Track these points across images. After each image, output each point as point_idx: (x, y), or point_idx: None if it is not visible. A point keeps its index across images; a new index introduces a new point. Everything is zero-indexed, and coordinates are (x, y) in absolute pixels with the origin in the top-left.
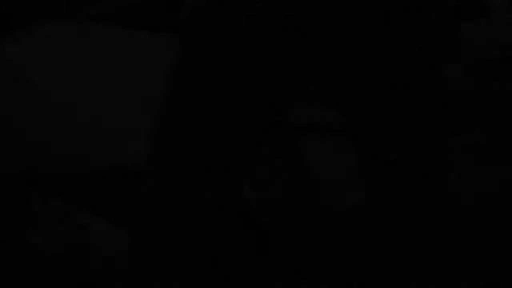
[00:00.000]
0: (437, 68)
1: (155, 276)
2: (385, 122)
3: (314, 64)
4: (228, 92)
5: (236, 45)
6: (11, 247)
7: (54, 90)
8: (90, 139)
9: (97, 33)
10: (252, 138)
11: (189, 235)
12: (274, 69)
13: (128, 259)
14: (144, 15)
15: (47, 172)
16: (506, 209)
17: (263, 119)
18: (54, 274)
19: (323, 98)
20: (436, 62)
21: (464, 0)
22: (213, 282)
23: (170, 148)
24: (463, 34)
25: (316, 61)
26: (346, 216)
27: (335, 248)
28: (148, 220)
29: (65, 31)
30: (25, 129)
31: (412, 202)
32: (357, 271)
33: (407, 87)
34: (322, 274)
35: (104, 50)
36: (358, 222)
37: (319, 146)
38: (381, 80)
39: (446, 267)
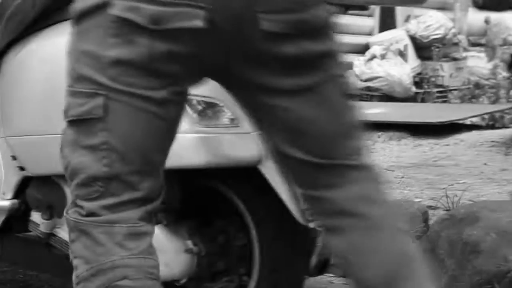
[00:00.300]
0: (338, 67)
1: None
2: (288, 123)
3: (193, 66)
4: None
5: (112, 48)
6: (44, 242)
7: None
8: None
9: None
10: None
11: None
12: (155, 71)
13: None
14: None
15: None
16: None
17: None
18: None
19: None
20: (336, 62)
21: None
22: None
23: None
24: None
25: (194, 63)
26: None
27: None
28: None
29: None
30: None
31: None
32: None
33: (310, 88)
34: None
35: None
36: None
37: None
38: (278, 83)
39: None
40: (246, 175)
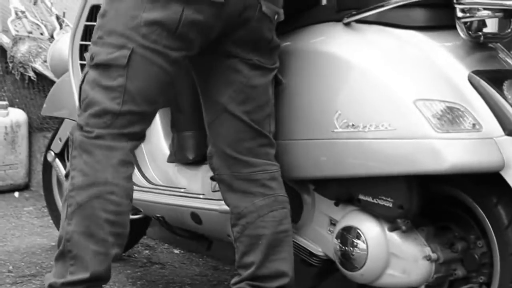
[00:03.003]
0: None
1: None
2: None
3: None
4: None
5: (149, 11)
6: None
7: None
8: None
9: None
10: None
11: None
12: (179, 34)
13: None
14: (409, 15)
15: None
16: None
17: None
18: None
19: None
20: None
21: None
22: None
23: None
24: None
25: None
26: None
27: None
28: None
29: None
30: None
31: None
32: None
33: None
34: None
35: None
36: None
37: None
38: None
39: None
40: (486, 181)
